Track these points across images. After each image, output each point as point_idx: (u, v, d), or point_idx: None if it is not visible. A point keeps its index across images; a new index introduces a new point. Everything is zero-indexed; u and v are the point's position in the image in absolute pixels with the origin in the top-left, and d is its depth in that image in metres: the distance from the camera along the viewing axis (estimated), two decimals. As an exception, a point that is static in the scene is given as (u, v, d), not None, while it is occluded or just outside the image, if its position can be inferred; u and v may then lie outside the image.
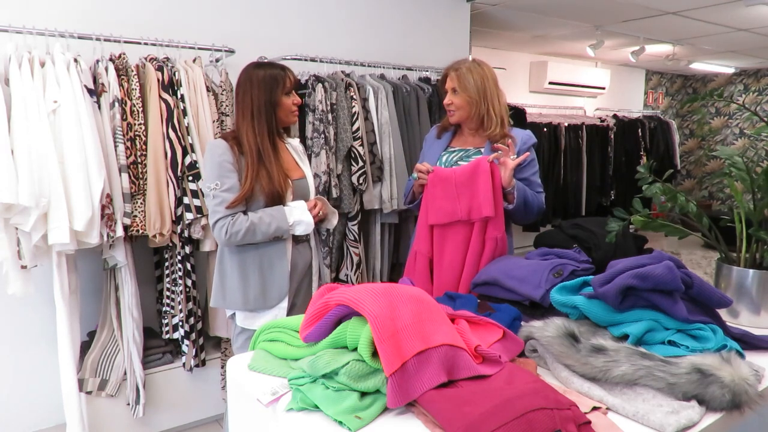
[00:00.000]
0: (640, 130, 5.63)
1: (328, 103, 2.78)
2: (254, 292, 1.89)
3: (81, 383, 2.34)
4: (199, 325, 2.57)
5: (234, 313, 1.97)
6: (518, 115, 4.37)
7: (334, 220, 2.11)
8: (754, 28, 4.98)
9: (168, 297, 2.54)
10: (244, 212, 1.85)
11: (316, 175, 2.66)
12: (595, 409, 1.00)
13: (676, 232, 1.59)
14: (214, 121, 2.53)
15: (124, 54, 2.33)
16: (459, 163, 2.07)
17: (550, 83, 6.29)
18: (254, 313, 1.92)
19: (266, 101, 1.88)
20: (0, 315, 2.52)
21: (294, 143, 2.08)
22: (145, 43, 2.46)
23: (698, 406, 0.99)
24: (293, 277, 1.96)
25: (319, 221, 2.02)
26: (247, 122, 1.88)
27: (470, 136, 2.14)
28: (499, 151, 1.91)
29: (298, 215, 1.89)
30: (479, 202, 1.90)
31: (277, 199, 1.88)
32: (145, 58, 2.41)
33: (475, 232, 1.93)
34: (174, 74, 2.40)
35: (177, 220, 2.38)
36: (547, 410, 0.89)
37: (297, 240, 1.98)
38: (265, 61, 2.26)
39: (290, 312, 1.95)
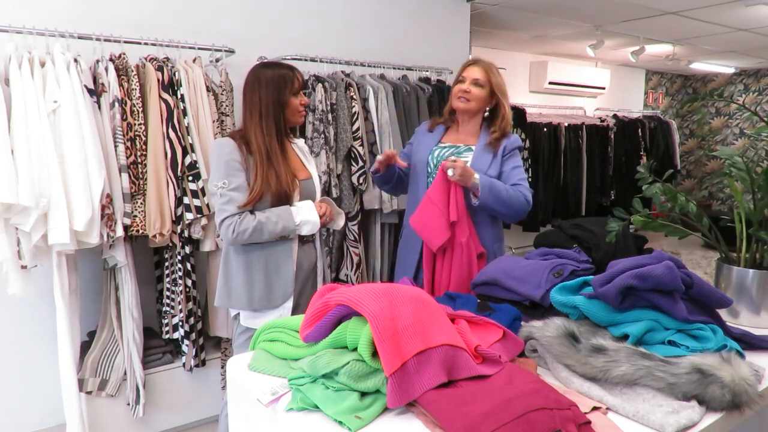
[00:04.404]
0: (640, 130, 5.62)
1: (328, 103, 2.78)
2: (259, 292, 1.89)
3: (81, 383, 2.34)
4: (199, 325, 2.57)
5: (238, 313, 1.97)
6: (518, 115, 4.37)
7: (340, 221, 2.10)
8: (754, 28, 4.97)
9: (168, 297, 2.54)
10: (251, 211, 1.85)
11: (317, 176, 2.66)
12: (595, 409, 1.00)
13: (676, 232, 1.59)
14: (214, 121, 2.53)
15: (124, 54, 2.33)
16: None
17: (550, 83, 6.29)
18: (258, 313, 1.92)
19: (274, 101, 1.87)
20: (0, 315, 2.52)
21: (300, 144, 2.09)
22: (145, 43, 2.46)
23: (698, 406, 0.99)
24: (298, 277, 1.95)
25: (326, 222, 2.02)
26: (255, 122, 1.87)
27: (464, 133, 2.16)
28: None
29: (305, 215, 1.89)
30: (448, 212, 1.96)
31: (284, 199, 1.88)
32: (145, 58, 2.41)
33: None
34: (174, 74, 2.40)
35: (177, 220, 2.38)
36: (547, 410, 0.89)
37: (303, 240, 1.98)
38: (274, 60, 2.24)
39: (294, 312, 1.95)
